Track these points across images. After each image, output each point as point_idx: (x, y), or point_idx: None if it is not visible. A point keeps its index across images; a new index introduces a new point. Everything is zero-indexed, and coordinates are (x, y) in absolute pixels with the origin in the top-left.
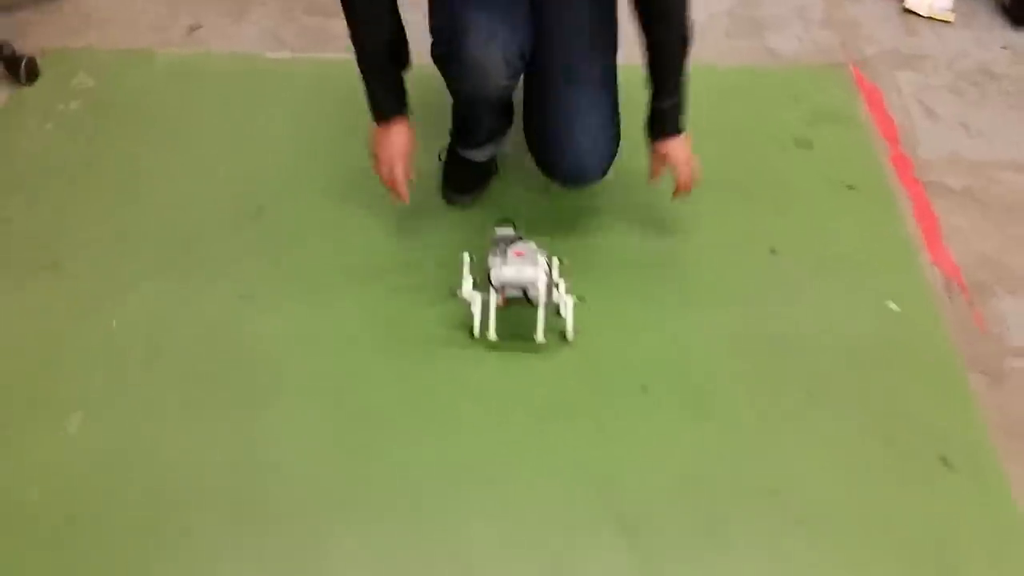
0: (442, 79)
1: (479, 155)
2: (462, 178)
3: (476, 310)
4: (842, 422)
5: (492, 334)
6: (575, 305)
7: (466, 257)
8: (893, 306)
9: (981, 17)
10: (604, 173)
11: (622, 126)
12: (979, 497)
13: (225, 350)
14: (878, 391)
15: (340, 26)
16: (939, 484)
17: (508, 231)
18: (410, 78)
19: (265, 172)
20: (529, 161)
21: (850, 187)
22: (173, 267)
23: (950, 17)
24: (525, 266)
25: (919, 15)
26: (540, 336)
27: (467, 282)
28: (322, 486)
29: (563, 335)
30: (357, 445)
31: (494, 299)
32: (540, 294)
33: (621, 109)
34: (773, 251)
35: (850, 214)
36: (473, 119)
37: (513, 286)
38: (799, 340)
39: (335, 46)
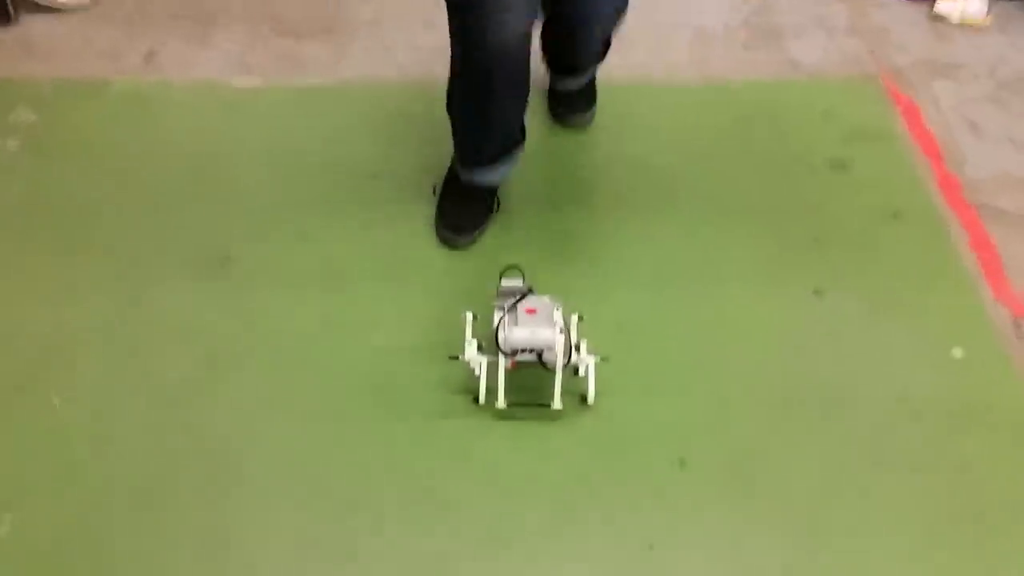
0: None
1: (491, 176)
2: (461, 213)
3: (482, 375)
4: (914, 494)
5: (501, 402)
6: (597, 365)
7: (469, 316)
8: (957, 352)
9: (1016, 21)
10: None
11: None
12: None
13: (184, 428)
14: (951, 454)
15: (314, 49)
16: None
17: (516, 282)
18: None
19: (232, 215)
20: (533, 196)
21: (895, 215)
22: (123, 328)
23: (984, 22)
24: (540, 326)
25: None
26: (557, 403)
27: (471, 346)
28: None
29: (583, 399)
30: (340, 539)
31: (503, 364)
32: (558, 358)
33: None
34: (817, 292)
35: (899, 246)
36: (485, 97)
37: (526, 350)
38: (855, 396)
39: (309, 71)
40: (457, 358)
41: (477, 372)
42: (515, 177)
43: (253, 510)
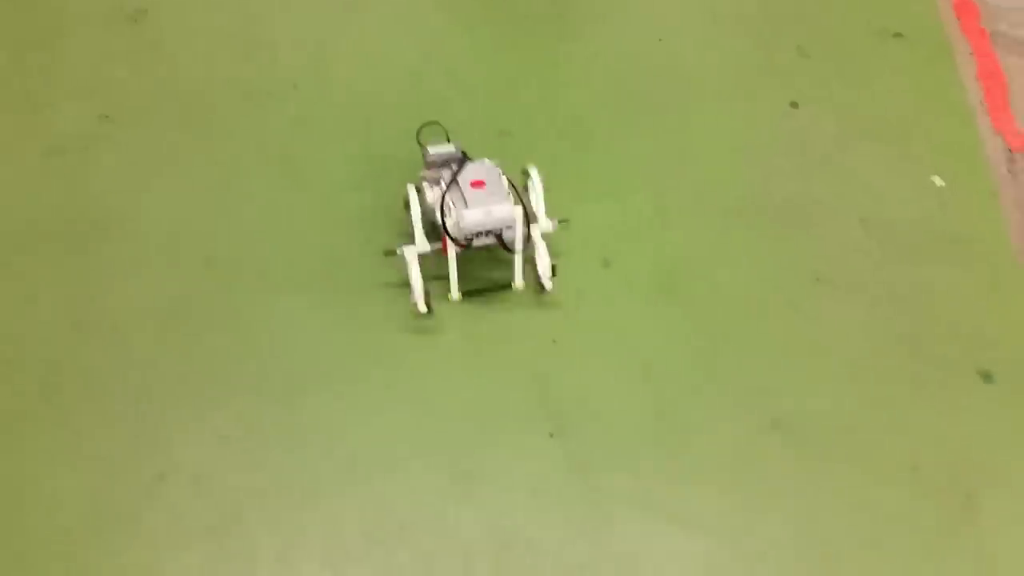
0: None
1: None
2: None
3: (415, 279)
4: (854, 316)
5: (455, 294)
6: (558, 228)
7: (411, 190)
8: (938, 180)
9: None
10: None
11: None
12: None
13: (64, 180)
14: (906, 282)
15: None
16: (974, 400)
17: (448, 148)
18: None
19: None
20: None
21: (897, 35)
22: (18, 80)
23: None
24: (494, 202)
25: None
26: (519, 282)
27: (412, 249)
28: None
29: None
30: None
31: (453, 254)
32: (517, 234)
33: None
34: (794, 104)
35: (895, 68)
36: None
37: (483, 233)
38: (811, 212)
39: None
40: (394, 252)
41: (411, 273)
42: None
43: (127, 269)
